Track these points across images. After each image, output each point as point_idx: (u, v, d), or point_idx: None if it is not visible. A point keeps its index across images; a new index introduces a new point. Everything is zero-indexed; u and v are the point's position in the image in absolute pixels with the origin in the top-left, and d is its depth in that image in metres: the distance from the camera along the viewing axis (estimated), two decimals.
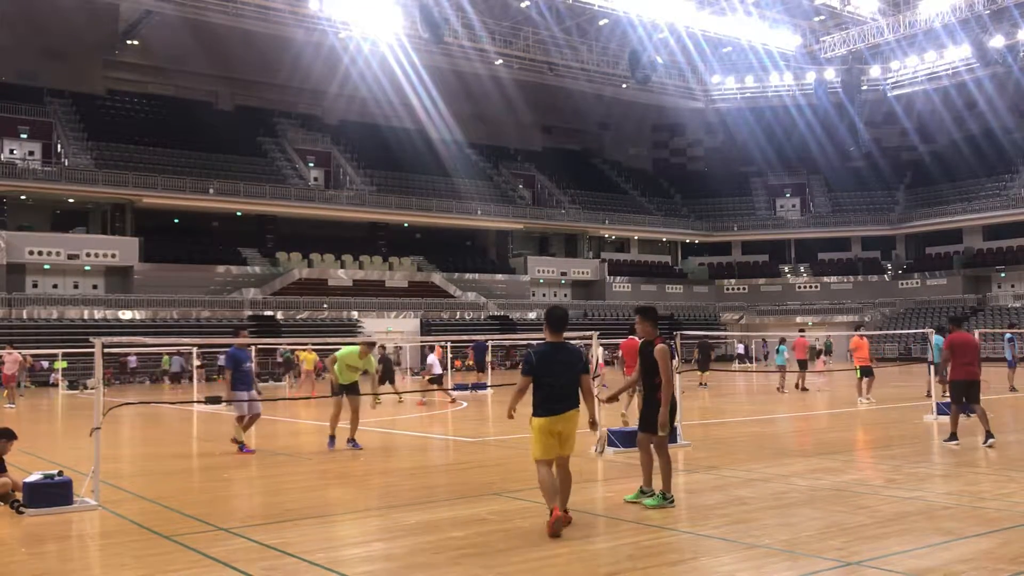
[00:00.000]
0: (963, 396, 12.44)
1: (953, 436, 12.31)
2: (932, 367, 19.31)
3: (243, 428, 13.25)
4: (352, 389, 13.51)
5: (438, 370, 23.73)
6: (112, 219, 49.36)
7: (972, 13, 51.11)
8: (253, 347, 27.60)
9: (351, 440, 13.28)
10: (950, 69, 61.07)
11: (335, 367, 13.41)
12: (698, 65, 63.53)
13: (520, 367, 7.82)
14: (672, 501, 8.14)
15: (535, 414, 7.23)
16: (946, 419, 15.08)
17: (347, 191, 56.36)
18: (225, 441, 13.63)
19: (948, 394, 13.16)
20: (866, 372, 20.81)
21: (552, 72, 60.74)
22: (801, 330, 33.27)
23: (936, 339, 20.33)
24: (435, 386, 23.14)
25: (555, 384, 7.19)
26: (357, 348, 13.60)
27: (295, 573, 6.15)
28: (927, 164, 67.26)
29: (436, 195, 58.69)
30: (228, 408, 15.44)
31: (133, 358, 41.05)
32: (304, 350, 30.56)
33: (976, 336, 13.46)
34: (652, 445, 8.37)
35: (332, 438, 13.35)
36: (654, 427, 8.20)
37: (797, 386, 25.65)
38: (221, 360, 27.14)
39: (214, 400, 13.87)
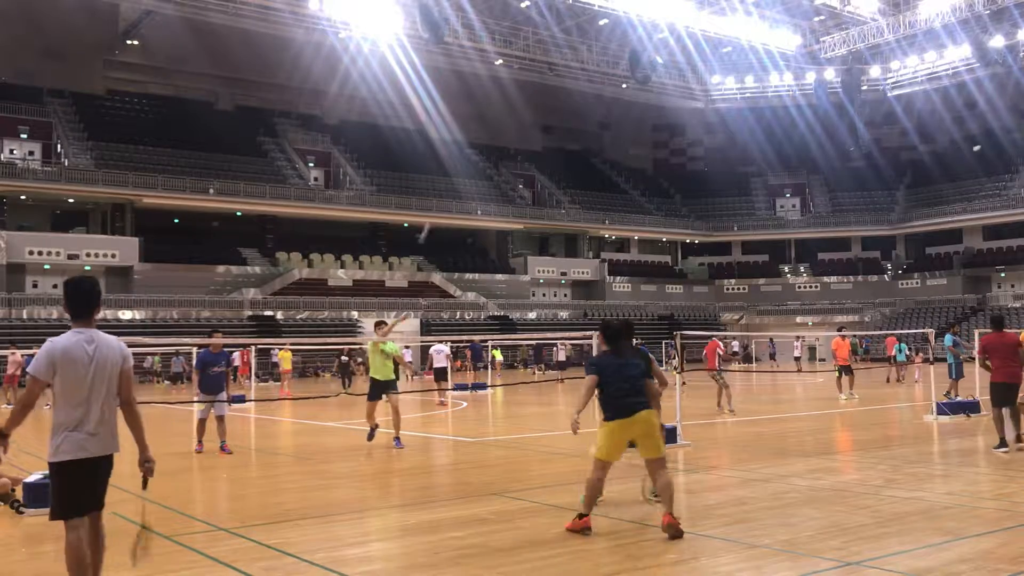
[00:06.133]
0: (1003, 399, 11.41)
1: (1002, 443, 11.34)
2: (952, 367, 19.83)
3: (202, 430, 13.33)
4: (391, 386, 13.49)
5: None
6: (112, 219, 49.33)
7: (972, 13, 51.05)
8: (253, 347, 27.71)
9: (397, 439, 13.33)
10: (950, 69, 60.99)
11: (370, 359, 13.70)
12: (698, 65, 63.46)
13: (585, 368, 7.74)
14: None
15: (604, 419, 7.25)
16: (946, 419, 15.04)
17: (347, 191, 56.33)
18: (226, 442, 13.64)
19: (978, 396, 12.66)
20: (846, 371, 21.78)
21: (552, 72, 60.69)
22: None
23: (947, 338, 20.57)
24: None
25: (621, 388, 7.17)
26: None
27: (295, 573, 6.15)
28: (927, 164, 67.16)
29: (436, 195, 58.64)
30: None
31: (148, 359, 40.69)
32: (283, 349, 30.44)
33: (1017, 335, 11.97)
34: None
35: (373, 429, 13.40)
36: None
37: (900, 380, 28.64)
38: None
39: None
